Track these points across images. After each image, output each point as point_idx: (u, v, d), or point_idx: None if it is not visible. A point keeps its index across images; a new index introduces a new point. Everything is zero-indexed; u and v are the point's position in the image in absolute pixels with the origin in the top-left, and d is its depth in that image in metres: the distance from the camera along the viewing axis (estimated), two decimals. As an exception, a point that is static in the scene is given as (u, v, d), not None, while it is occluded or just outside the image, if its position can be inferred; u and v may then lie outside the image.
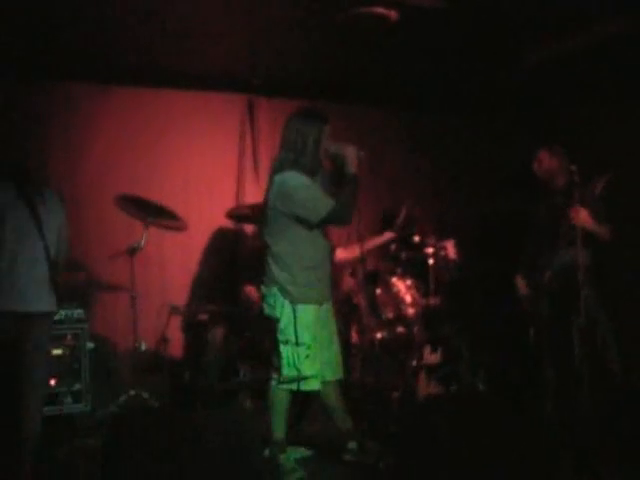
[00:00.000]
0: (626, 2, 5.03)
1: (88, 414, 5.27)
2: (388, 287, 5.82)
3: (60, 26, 5.13)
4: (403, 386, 5.38)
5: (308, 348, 4.35)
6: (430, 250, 5.87)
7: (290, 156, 4.41)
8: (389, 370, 5.54)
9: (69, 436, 4.51)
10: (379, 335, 5.68)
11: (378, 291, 5.82)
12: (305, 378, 4.36)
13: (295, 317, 4.35)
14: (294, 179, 4.38)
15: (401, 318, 5.74)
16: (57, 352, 5.22)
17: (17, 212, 4.11)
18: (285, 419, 4.47)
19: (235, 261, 6.48)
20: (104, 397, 5.40)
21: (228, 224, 6.37)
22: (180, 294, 6.30)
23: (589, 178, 5.08)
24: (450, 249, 5.93)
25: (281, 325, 4.38)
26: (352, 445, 4.61)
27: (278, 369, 4.40)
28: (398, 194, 7.07)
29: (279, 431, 4.44)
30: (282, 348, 4.37)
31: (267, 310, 4.47)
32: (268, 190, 4.51)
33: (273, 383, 4.46)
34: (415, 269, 5.95)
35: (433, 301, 5.86)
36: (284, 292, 4.38)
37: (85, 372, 5.34)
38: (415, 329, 5.64)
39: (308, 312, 4.39)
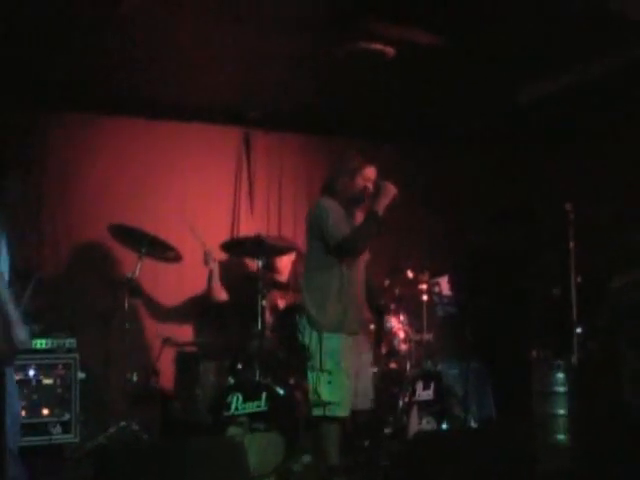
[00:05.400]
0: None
1: (77, 445, 5.22)
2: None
3: (57, 57, 5.17)
4: (395, 422, 5.34)
5: (330, 374, 4.52)
6: (424, 286, 5.87)
7: (325, 186, 4.78)
8: (381, 405, 5.50)
9: (57, 467, 4.46)
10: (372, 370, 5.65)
11: (371, 327, 5.80)
12: (326, 404, 4.48)
13: (321, 344, 4.54)
14: (324, 202, 4.72)
15: (394, 353, 5.72)
16: (47, 382, 5.19)
17: None
18: (335, 445, 4.56)
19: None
20: (94, 428, 5.35)
21: (223, 256, 6.36)
22: (173, 325, 6.27)
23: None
24: (444, 285, 5.92)
25: (310, 352, 4.61)
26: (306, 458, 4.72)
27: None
28: (390, 228, 7.06)
29: (330, 457, 4.54)
30: (309, 374, 4.57)
31: (300, 338, 4.68)
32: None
33: None
34: (408, 305, 5.93)
35: (426, 337, 5.85)
36: (312, 321, 4.63)
37: (75, 402, 5.29)
38: (408, 365, 5.62)
39: (334, 340, 4.58)
